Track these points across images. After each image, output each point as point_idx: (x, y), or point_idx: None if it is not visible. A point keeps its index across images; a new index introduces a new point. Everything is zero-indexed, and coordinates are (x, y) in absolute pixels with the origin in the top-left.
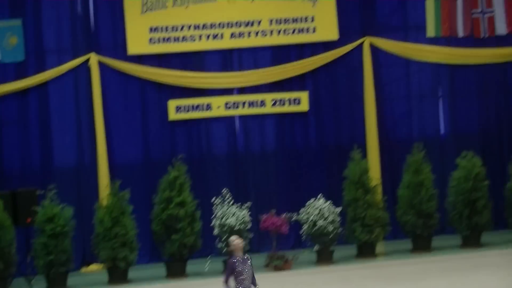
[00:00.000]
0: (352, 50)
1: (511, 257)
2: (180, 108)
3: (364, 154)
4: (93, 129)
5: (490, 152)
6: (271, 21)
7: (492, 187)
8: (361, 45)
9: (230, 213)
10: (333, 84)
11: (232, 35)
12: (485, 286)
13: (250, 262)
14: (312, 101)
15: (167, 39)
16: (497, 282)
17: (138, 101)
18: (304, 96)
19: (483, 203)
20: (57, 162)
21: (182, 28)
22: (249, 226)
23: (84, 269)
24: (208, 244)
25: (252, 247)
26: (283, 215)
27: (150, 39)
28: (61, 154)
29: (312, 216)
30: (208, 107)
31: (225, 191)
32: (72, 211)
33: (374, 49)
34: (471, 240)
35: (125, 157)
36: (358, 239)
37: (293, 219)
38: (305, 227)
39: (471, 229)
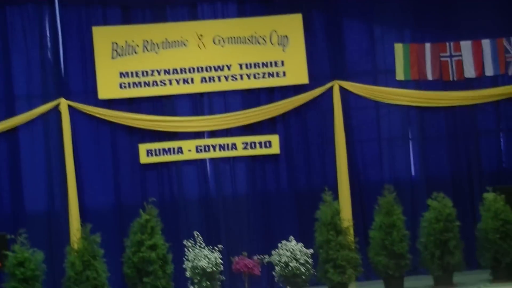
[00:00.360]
0: (322, 94)
1: None
2: (151, 151)
3: (336, 196)
4: (64, 173)
5: (460, 193)
6: (241, 65)
7: (463, 228)
8: (331, 88)
9: (202, 255)
10: (304, 127)
11: (203, 80)
12: None
13: None
14: (283, 144)
15: (138, 84)
16: None
17: (109, 145)
18: (275, 139)
19: (455, 243)
20: (28, 206)
21: (152, 73)
22: (221, 268)
23: None
24: (180, 287)
25: None
26: (255, 257)
27: (121, 84)
28: (32, 199)
29: (284, 257)
30: (179, 150)
31: (197, 234)
32: (43, 255)
33: (344, 93)
34: (443, 280)
35: (96, 201)
36: (331, 280)
37: (265, 261)
38: (277, 268)
39: (443, 269)
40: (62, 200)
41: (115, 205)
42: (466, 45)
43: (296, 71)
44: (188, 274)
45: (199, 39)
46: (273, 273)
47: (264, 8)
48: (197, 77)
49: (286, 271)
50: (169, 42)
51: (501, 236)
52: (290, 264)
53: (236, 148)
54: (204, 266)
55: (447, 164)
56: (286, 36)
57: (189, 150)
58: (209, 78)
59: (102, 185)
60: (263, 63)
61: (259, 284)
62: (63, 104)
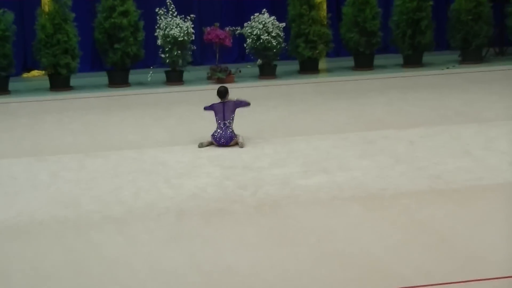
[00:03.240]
0: None
1: (450, 77)
2: None
3: None
4: None
5: None
6: None
7: (435, 8)
8: None
9: (174, 24)
10: None
11: None
12: (424, 103)
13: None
14: None
15: None
16: (435, 98)
17: None
18: None
19: (426, 23)
20: None
21: None
22: (192, 38)
23: (25, 75)
24: (151, 55)
25: (195, 60)
26: (227, 28)
27: None
28: None
29: (256, 30)
30: None
31: (169, 2)
32: (13, 16)
33: None
34: (413, 59)
35: None
36: (301, 55)
37: (237, 32)
38: (248, 41)
39: (413, 48)
40: None
41: None
42: None
43: None
44: (159, 42)
45: None
46: (244, 45)
47: None
48: None
49: (258, 43)
50: None
51: (473, 17)
52: (262, 36)
53: None
54: (175, 35)
55: None
56: None
57: None
58: None
59: None
60: None
61: (230, 56)
62: None
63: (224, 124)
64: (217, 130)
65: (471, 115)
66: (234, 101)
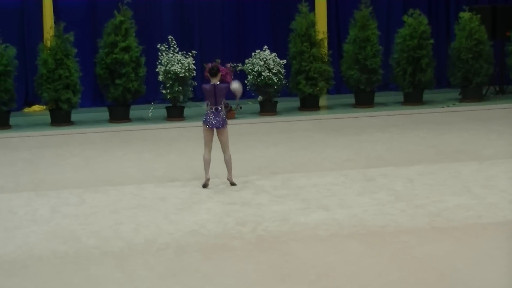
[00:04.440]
0: None
1: (450, 115)
2: None
3: (312, 8)
4: None
5: (436, 11)
6: None
7: (436, 46)
8: None
9: (175, 60)
10: None
11: None
12: (424, 141)
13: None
14: None
15: None
16: (435, 136)
17: None
18: None
19: (427, 61)
20: (1, 1)
21: None
22: (193, 74)
23: (26, 110)
24: (152, 91)
25: (197, 96)
26: (228, 65)
27: None
28: None
29: (257, 66)
30: None
31: (171, 38)
32: (15, 51)
33: None
34: (413, 97)
35: None
36: (302, 92)
37: (238, 69)
38: (249, 77)
39: (414, 86)
40: None
41: (89, 4)
42: None
43: None
44: (160, 78)
45: None
46: (245, 81)
47: None
48: None
49: (259, 80)
50: None
51: (473, 56)
52: (263, 73)
53: None
54: (177, 71)
55: None
56: None
57: None
58: None
59: None
60: None
61: (231, 92)
62: None
63: (216, 109)
64: (208, 115)
65: (470, 153)
66: (225, 85)
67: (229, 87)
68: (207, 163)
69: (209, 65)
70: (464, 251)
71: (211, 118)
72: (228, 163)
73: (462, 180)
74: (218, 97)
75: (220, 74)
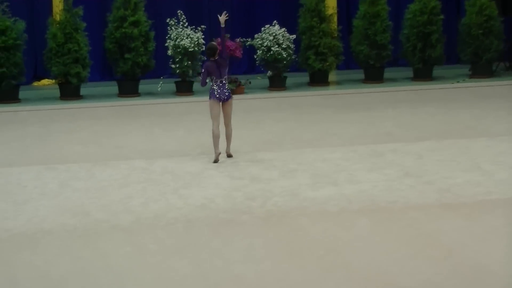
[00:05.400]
0: None
1: (459, 91)
2: None
3: None
4: None
5: None
6: None
7: (446, 21)
8: None
9: (185, 35)
10: None
11: None
12: (433, 117)
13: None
14: None
15: None
16: (444, 112)
17: None
18: None
19: (437, 36)
20: None
21: None
22: (203, 48)
23: (35, 84)
24: (161, 65)
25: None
26: (237, 40)
27: None
28: None
29: (267, 41)
30: None
31: (180, 13)
32: (25, 25)
33: None
34: (423, 73)
35: None
36: (312, 67)
37: (247, 43)
38: (259, 52)
39: (423, 62)
40: None
41: None
42: None
43: None
44: (169, 52)
45: None
46: (255, 56)
47: None
48: None
49: (268, 55)
50: None
51: (484, 31)
52: (272, 48)
53: None
54: (186, 46)
55: None
56: None
57: None
58: None
59: None
60: None
61: (240, 67)
62: None
63: (221, 82)
64: (214, 89)
65: (480, 129)
66: (224, 58)
67: (227, 57)
68: (216, 137)
69: (218, 40)
70: (473, 228)
71: (218, 92)
72: (229, 136)
73: (472, 156)
74: (222, 70)
75: (217, 51)
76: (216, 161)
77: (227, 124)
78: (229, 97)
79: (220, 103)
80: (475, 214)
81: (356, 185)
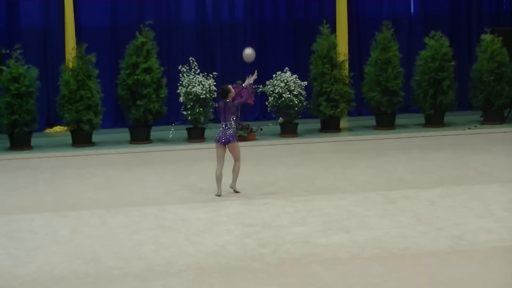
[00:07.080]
0: None
1: (471, 137)
2: None
3: (333, 29)
4: None
5: (458, 33)
6: None
7: (458, 68)
8: None
9: (196, 81)
10: None
11: None
12: (445, 163)
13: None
14: None
15: None
16: (457, 158)
17: None
18: None
19: (448, 83)
20: (24, 21)
21: None
22: (214, 95)
23: (47, 130)
24: (173, 112)
25: (217, 117)
26: (238, 82)
27: None
28: (27, 13)
29: (278, 88)
30: None
31: (192, 60)
32: (38, 72)
33: None
34: (434, 119)
35: (92, 20)
36: (323, 113)
37: (259, 90)
38: (270, 99)
39: (435, 108)
40: (58, 16)
41: (111, 26)
42: None
43: None
44: (181, 99)
45: None
46: (266, 103)
47: None
48: None
49: (279, 101)
50: None
51: (495, 78)
52: (284, 95)
53: None
54: (198, 92)
55: (447, 3)
56: None
57: None
58: None
59: (99, 4)
60: None
61: (251, 113)
62: None
63: (226, 125)
64: (219, 129)
65: (493, 176)
66: (233, 103)
67: (238, 105)
68: (218, 179)
69: (237, 84)
70: (486, 275)
71: (221, 135)
72: (235, 171)
73: (484, 203)
74: (227, 114)
75: (230, 94)
76: (218, 195)
77: (235, 160)
78: (230, 141)
79: (225, 145)
80: (488, 261)
81: (368, 232)
